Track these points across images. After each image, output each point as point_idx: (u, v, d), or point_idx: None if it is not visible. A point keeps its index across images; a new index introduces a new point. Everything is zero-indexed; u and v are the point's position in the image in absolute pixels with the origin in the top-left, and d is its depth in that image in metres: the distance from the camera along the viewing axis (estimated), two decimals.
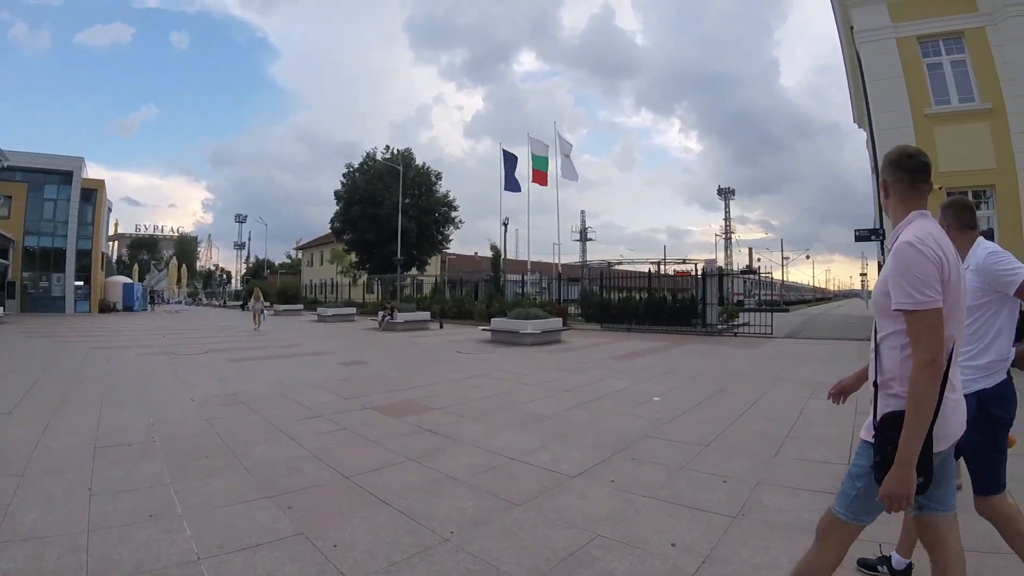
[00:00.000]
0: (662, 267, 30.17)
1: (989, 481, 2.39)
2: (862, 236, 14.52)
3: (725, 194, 70.79)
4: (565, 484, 3.96)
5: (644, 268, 29.96)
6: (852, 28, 15.25)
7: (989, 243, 2.66)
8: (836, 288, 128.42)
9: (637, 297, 22.31)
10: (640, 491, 3.79)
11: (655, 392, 7.67)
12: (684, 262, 34.26)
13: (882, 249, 14.28)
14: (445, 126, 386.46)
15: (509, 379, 8.96)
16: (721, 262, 49.67)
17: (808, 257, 75.46)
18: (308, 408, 6.50)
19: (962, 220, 2.69)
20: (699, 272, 19.84)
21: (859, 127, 26.00)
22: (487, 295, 27.20)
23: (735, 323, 18.90)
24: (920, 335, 1.71)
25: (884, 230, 13.69)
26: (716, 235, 71.19)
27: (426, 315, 22.54)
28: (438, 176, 43.62)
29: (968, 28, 13.90)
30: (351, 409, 6.50)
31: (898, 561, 2.72)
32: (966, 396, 2.08)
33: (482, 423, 5.86)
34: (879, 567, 2.79)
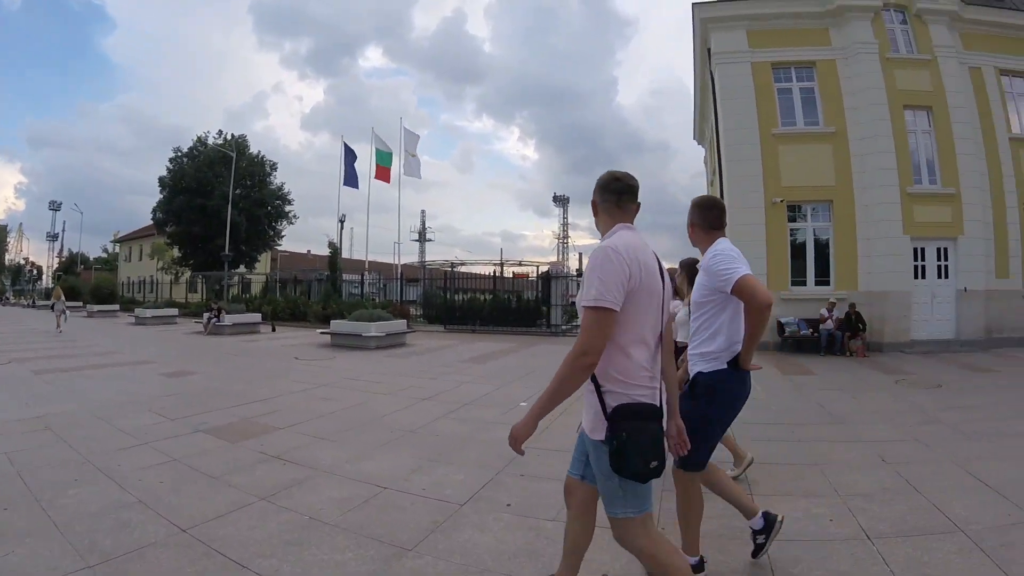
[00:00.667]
0: (504, 268, 30.55)
1: (686, 458, 2.50)
2: None
3: (562, 201, 74.45)
4: (457, 515, 3.51)
5: (485, 270, 30.01)
6: (709, 50, 16.14)
7: (720, 245, 2.79)
8: None
9: (482, 299, 22.37)
10: (544, 514, 3.47)
11: (520, 396, 7.45)
12: (521, 264, 35.13)
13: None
14: (283, 116, 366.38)
15: (360, 388, 8.34)
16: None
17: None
18: (129, 434, 5.44)
19: (707, 220, 2.88)
20: (544, 274, 20.71)
21: (699, 143, 28.19)
22: (323, 295, 26.09)
23: (576, 323, 19.29)
24: (587, 328, 1.90)
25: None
26: (556, 239, 75.68)
27: (257, 317, 21.08)
28: (273, 167, 41.44)
29: (820, 59, 15.27)
30: (181, 433, 5.55)
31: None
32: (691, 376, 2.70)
33: (341, 444, 5.23)
34: None
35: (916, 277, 14.59)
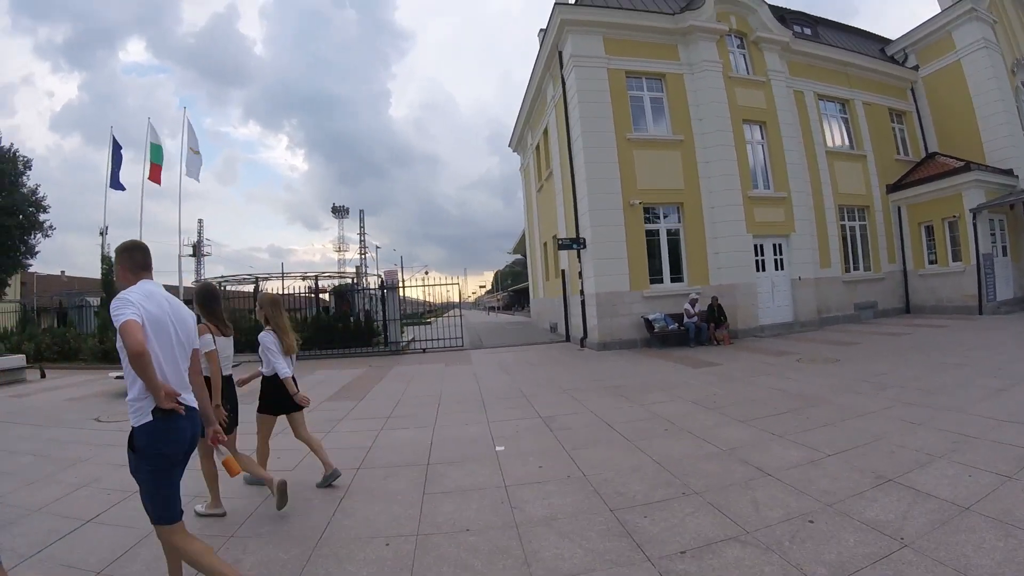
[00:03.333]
0: (318, 280, 26.72)
1: (152, 513, 2.75)
2: (564, 245, 16.06)
3: (339, 212, 74.26)
4: None
5: (280, 283, 26.56)
6: (561, 53, 16.96)
7: (135, 288, 2.83)
8: (439, 301, 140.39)
9: (302, 318, 19.43)
10: None
11: (485, 438, 6.46)
12: (306, 276, 30.57)
13: (579, 257, 16.15)
14: (31, 115, 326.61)
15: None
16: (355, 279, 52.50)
17: (427, 273, 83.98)
18: None
19: (132, 262, 2.98)
20: (381, 285, 19.29)
21: (514, 151, 29.67)
22: (100, 326, 20.01)
23: (410, 339, 18.99)
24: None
25: (584, 239, 15.52)
26: (337, 250, 74.44)
27: (20, 360, 15.28)
28: (27, 165, 32.68)
29: (669, 72, 16.91)
30: None
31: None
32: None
33: None
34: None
35: (758, 270, 16.82)
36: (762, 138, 17.77)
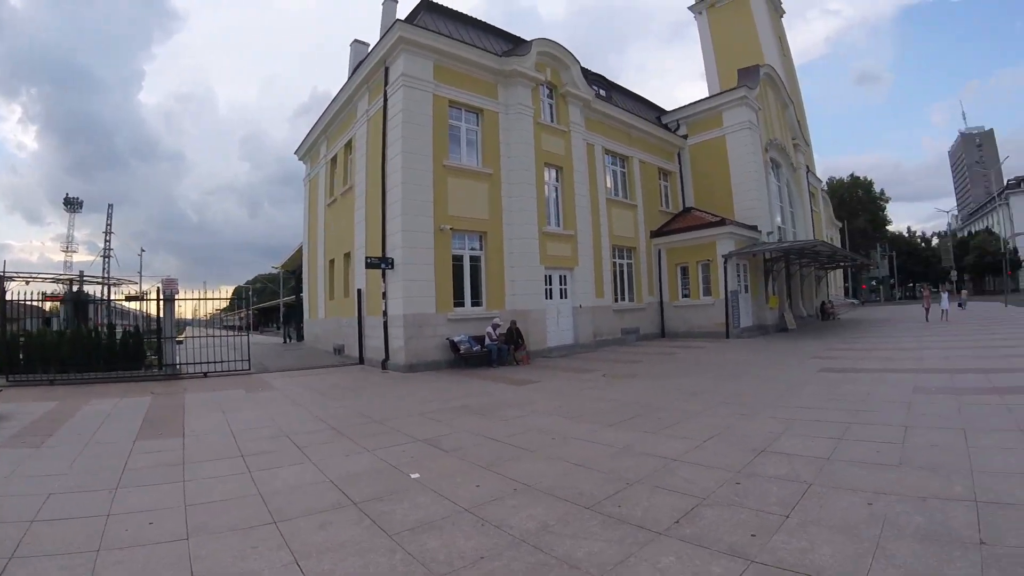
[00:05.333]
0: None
1: None
2: (373, 264, 16.13)
3: (72, 206, 61.81)
4: None
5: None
6: (388, 69, 17.36)
7: None
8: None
9: (59, 331, 16.43)
10: None
11: (392, 471, 5.96)
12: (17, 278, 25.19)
13: (383, 277, 16.28)
14: None
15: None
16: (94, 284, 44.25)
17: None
18: None
19: None
20: (160, 294, 15.45)
21: (300, 160, 28.94)
22: None
23: (204, 361, 15.83)
24: None
25: (393, 259, 16.05)
26: (64, 251, 62.55)
27: None
28: None
29: (487, 109, 18.68)
30: None
31: None
32: None
33: None
34: None
35: (547, 298, 19.33)
36: (558, 181, 20.59)
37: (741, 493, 4.77)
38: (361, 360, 18.10)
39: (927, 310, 29.64)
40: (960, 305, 38.33)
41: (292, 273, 39.28)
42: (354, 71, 20.58)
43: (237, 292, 57.69)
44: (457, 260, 17.18)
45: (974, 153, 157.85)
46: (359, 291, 18.57)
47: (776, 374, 12.38)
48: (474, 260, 17.68)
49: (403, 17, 18.40)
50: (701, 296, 24.19)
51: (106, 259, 58.35)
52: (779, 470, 5.35)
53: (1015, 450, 5.53)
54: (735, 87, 27.51)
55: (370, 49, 19.31)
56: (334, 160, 23.20)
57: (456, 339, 15.93)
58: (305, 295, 28.83)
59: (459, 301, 17.08)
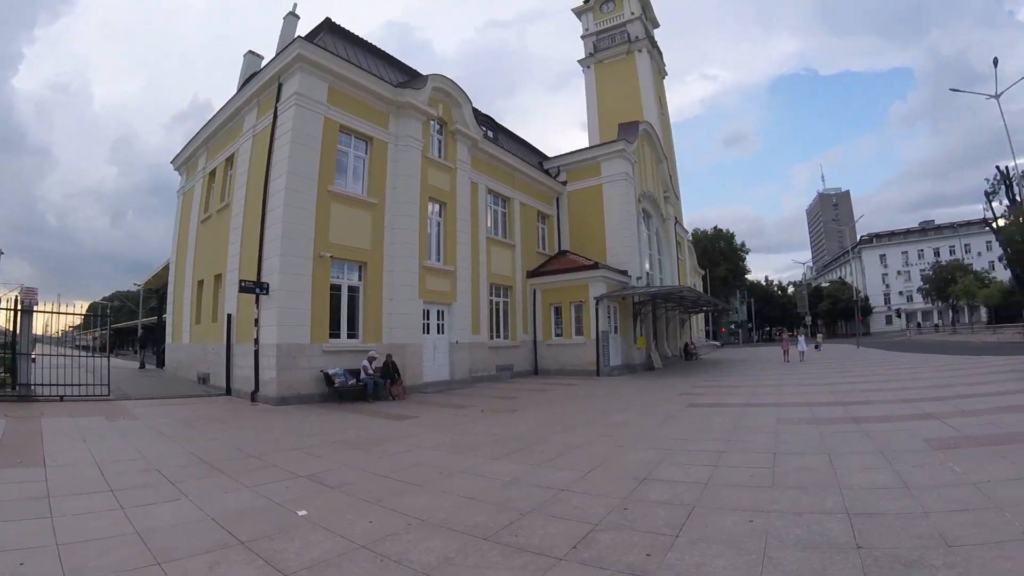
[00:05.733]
0: None
1: None
2: (247, 288, 15.21)
3: None
4: None
5: None
6: (281, 85, 16.88)
7: None
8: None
9: None
10: None
11: (278, 509, 5.72)
12: None
13: (257, 303, 15.52)
14: None
15: None
16: None
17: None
18: None
19: None
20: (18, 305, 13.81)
21: (176, 170, 27.03)
22: None
23: (69, 384, 14.30)
24: None
25: (268, 284, 15.35)
26: None
27: None
28: None
29: (376, 138, 18.77)
30: None
31: None
32: None
33: None
34: None
35: (425, 332, 19.44)
36: (441, 216, 21.12)
37: (631, 517, 5.14)
38: (228, 391, 16.94)
39: (786, 351, 32.03)
40: (816, 347, 42.71)
41: (155, 292, 36.18)
42: (245, 83, 20.03)
43: (92, 308, 52.88)
44: (335, 289, 16.90)
45: (830, 211, 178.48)
46: (229, 316, 17.43)
47: (648, 409, 13.36)
48: (352, 290, 17.47)
49: (304, 34, 18.25)
50: (573, 335, 25.39)
51: None
52: (663, 495, 5.83)
53: (876, 469, 6.41)
54: (615, 140, 29.69)
55: (265, 62, 18.89)
56: (213, 174, 21.94)
57: (331, 372, 15.58)
58: (169, 317, 26.36)
59: (335, 332, 16.75)
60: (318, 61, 16.60)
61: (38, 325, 14.77)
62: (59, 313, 15.26)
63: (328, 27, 19.21)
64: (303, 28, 19.17)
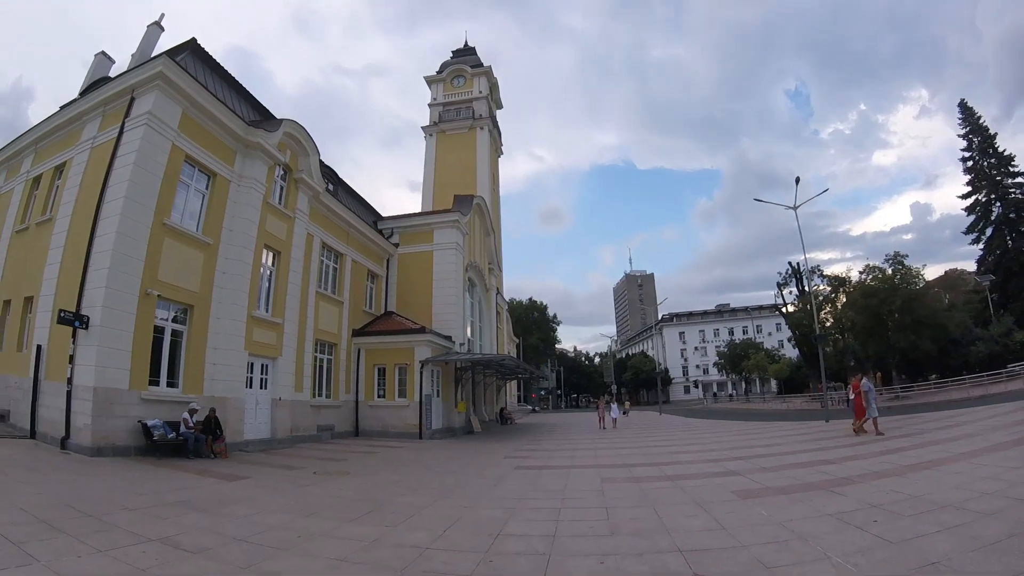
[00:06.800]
0: None
1: None
2: (66, 319, 13.22)
3: None
4: None
5: None
6: (133, 100, 15.72)
7: None
8: None
9: None
10: None
11: None
12: None
13: (74, 337, 13.63)
14: None
15: None
16: None
17: None
18: None
19: None
20: None
21: None
22: None
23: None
24: None
25: (88, 318, 13.70)
26: None
27: None
28: None
29: (220, 174, 18.21)
30: None
31: None
32: None
33: None
34: None
35: (248, 386, 18.63)
36: (274, 265, 20.85)
37: (498, 568, 5.75)
38: (33, 433, 14.65)
39: (602, 418, 33.48)
40: (624, 413, 45.71)
41: None
42: (90, 87, 18.43)
43: None
44: (158, 332, 15.67)
45: (636, 290, 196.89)
46: (39, 348, 15.14)
47: (479, 471, 14.25)
48: (175, 334, 16.37)
49: (166, 51, 17.41)
50: (396, 397, 25.78)
51: None
52: (520, 547, 6.52)
53: (696, 516, 7.70)
54: (450, 210, 31.63)
55: (119, 71, 17.79)
56: (38, 180, 18.99)
57: (150, 423, 14.32)
58: None
59: (155, 379, 15.45)
60: (178, 83, 16.03)
61: None
62: None
63: (192, 48, 18.73)
64: (163, 41, 18.25)
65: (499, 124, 55.24)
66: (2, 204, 21.26)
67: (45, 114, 19.73)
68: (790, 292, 63.85)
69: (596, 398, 67.67)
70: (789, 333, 71.52)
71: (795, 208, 28.78)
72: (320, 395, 23.85)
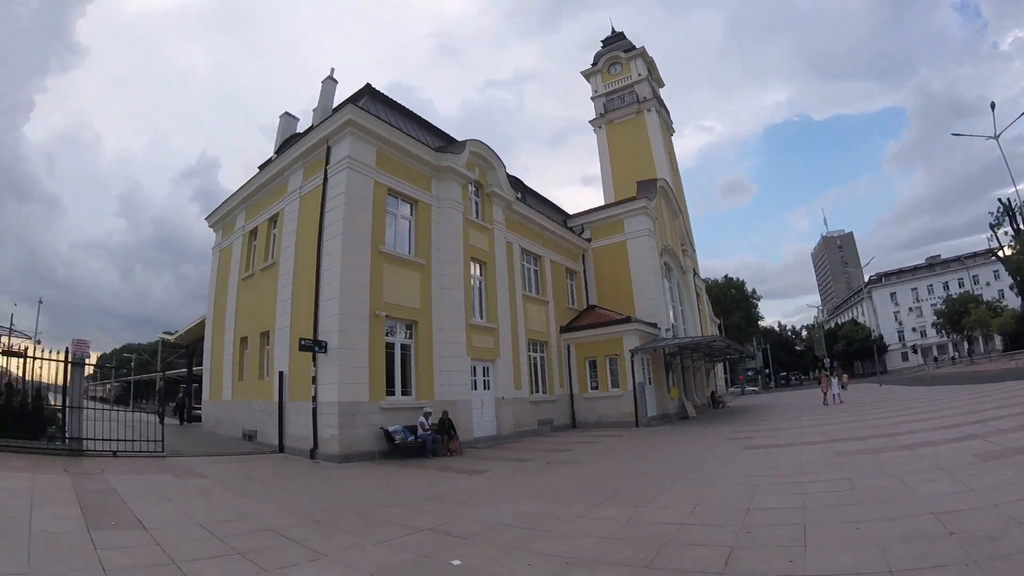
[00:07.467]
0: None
1: None
2: (306, 346, 15.41)
3: None
4: None
5: None
6: (330, 149, 17.43)
7: None
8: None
9: None
10: None
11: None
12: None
13: (314, 361, 15.68)
14: None
15: None
16: None
17: (39, 343, 69.61)
18: None
19: None
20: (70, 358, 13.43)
21: (211, 227, 26.71)
22: None
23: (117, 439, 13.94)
24: None
25: (326, 343, 15.60)
26: None
27: None
28: None
29: (421, 200, 19.58)
30: None
31: None
32: None
33: None
34: None
35: (473, 389, 19.62)
36: (482, 275, 21.68)
37: (756, 539, 5.74)
38: (281, 448, 16.87)
39: (825, 393, 30.49)
40: (843, 387, 41.99)
41: (184, 347, 36.19)
42: (284, 144, 20.86)
43: (101, 360, 53.25)
44: (389, 348, 17.19)
45: (835, 254, 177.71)
46: (281, 374, 17.50)
47: (707, 454, 13.70)
48: (404, 348, 17.80)
49: (344, 99, 19.42)
50: (610, 388, 25.65)
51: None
52: (772, 520, 6.45)
53: (939, 480, 7.47)
54: (636, 197, 30.73)
55: (309, 125, 19.81)
56: (254, 232, 22.34)
57: (390, 429, 15.68)
58: (206, 373, 25.98)
59: (390, 390, 16.95)
60: (367, 126, 17.34)
61: (50, 374, 14.53)
62: (112, 367, 15.52)
63: (369, 92, 20.09)
64: (341, 92, 20.39)
65: (664, 103, 52.96)
66: (224, 257, 24.94)
67: (232, 177, 22.56)
68: (1005, 233, 54.19)
69: (804, 376, 62.89)
70: (1010, 280, 61.93)
71: (996, 137, 24.75)
72: (537, 391, 24.48)
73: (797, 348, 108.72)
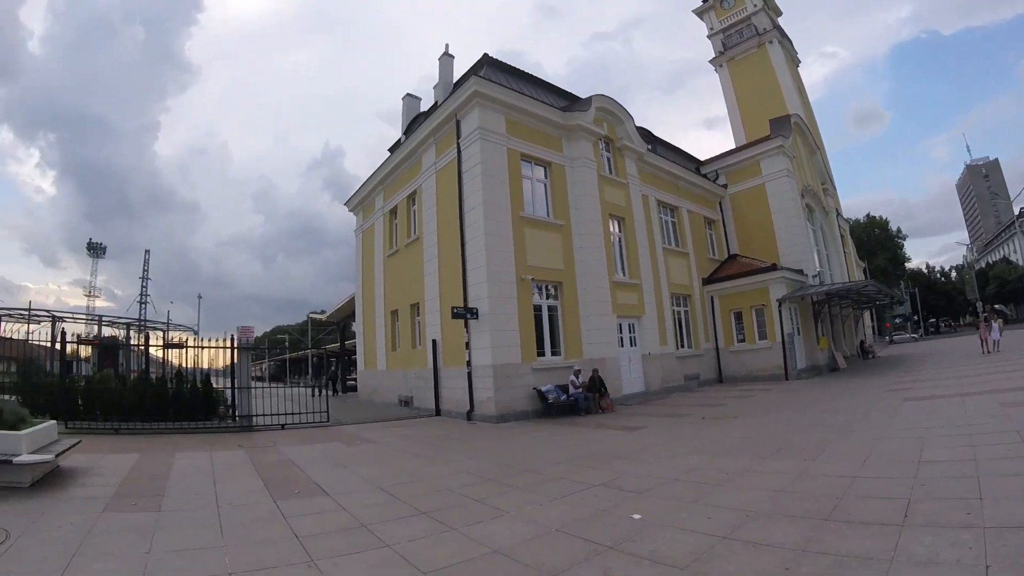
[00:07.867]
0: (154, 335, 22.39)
1: None
2: (458, 314, 15.97)
3: (95, 251, 69.19)
4: None
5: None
6: (459, 123, 17.74)
7: None
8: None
9: (122, 377, 16.03)
10: None
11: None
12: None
13: (466, 327, 16.20)
14: None
15: None
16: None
17: (197, 333, 75.23)
18: None
19: None
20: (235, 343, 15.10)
21: (351, 211, 28.46)
22: None
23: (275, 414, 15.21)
24: None
25: (476, 309, 16.01)
26: (87, 295, 67.86)
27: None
28: None
29: (554, 162, 19.14)
30: None
31: None
32: None
33: None
34: None
35: (619, 346, 19.25)
36: (620, 231, 21.02)
37: (932, 491, 5.49)
38: (437, 411, 17.66)
39: (984, 340, 26.71)
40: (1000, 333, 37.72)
41: (335, 323, 39.17)
42: (411, 124, 21.24)
43: (258, 341, 58.58)
44: (536, 310, 17.20)
45: (981, 184, 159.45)
46: (434, 342, 18.26)
47: (867, 406, 12.82)
48: (551, 310, 17.75)
49: (463, 72, 19.48)
50: (757, 340, 24.35)
51: (143, 304, 61.31)
52: (946, 472, 6.18)
53: None
54: (771, 137, 28.34)
55: (433, 102, 20.01)
56: (394, 211, 23.24)
57: (543, 389, 15.85)
58: (360, 346, 27.91)
59: (540, 351, 17.02)
60: (493, 95, 17.22)
61: (203, 360, 15.67)
62: (266, 348, 16.65)
63: (488, 62, 19.76)
64: (449, 66, 20.71)
65: (786, 32, 47.55)
66: (367, 238, 26.19)
67: (358, 163, 23.39)
68: None
69: (955, 322, 57.02)
70: None
71: None
72: (683, 346, 23.73)
73: (947, 291, 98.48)
